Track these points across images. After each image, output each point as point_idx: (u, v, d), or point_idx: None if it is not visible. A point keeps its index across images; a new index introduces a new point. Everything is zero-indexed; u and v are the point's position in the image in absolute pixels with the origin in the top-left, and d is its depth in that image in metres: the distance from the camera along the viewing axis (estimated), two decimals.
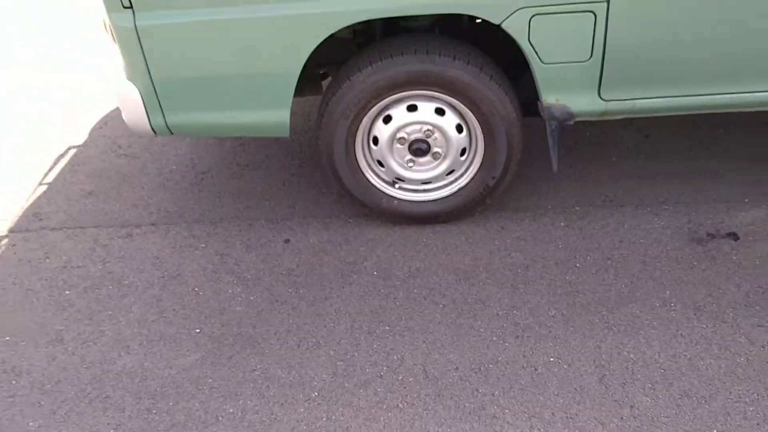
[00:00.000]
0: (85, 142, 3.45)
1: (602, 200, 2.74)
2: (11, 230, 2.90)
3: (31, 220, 2.94)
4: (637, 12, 2.21)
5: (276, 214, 2.85)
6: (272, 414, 2.04)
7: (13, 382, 2.22)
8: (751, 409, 1.91)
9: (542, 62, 2.29)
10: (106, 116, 3.62)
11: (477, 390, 2.04)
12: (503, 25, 2.22)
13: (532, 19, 2.20)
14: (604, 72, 2.31)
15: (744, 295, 2.27)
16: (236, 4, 2.24)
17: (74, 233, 2.84)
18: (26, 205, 3.04)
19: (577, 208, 2.72)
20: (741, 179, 2.80)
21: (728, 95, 2.42)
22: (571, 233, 2.59)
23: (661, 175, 2.86)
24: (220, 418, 2.04)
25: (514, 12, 2.19)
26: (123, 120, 3.52)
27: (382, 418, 1.99)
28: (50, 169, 3.28)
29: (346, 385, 2.10)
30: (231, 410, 2.06)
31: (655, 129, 3.16)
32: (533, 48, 2.26)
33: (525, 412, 1.97)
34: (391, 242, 2.64)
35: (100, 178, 3.17)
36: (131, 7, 2.22)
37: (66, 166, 3.29)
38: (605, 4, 2.16)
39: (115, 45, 2.34)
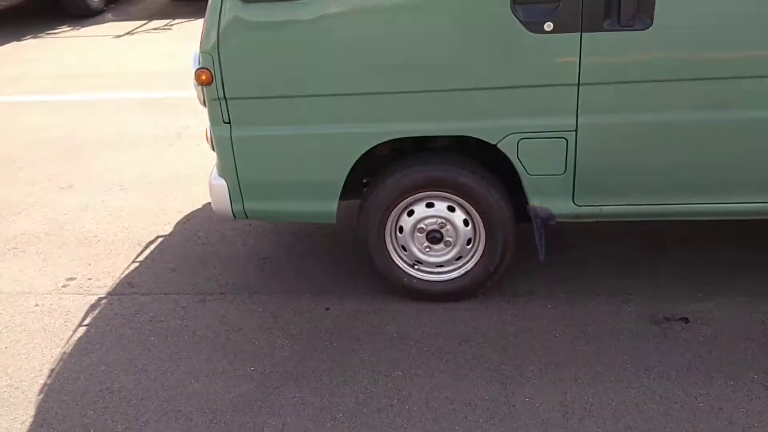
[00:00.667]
0: (171, 232, 4.23)
1: (583, 291, 3.30)
2: (109, 293, 3.62)
3: (126, 287, 3.67)
4: (600, 140, 2.82)
5: (320, 289, 3.49)
6: (306, 428, 2.61)
7: (107, 397, 2.84)
8: None
9: (528, 174, 2.92)
10: (190, 214, 4.41)
11: (466, 417, 2.59)
12: (498, 145, 2.87)
13: (520, 141, 2.84)
14: (576, 183, 2.89)
15: (687, 362, 2.78)
16: (300, 123, 2.94)
17: (159, 298, 3.54)
18: (122, 276, 3.79)
19: (563, 295, 3.29)
20: (696, 279, 3.32)
21: (681, 206, 2.92)
22: (555, 313, 3.16)
23: (633, 273, 3.40)
24: (265, 429, 2.62)
25: (506, 136, 2.84)
26: (202, 217, 4.37)
27: None
28: (141, 251, 4.04)
29: (365, 410, 2.67)
30: (274, 423, 2.64)
31: (630, 238, 3.75)
32: (521, 163, 2.89)
33: None
34: (409, 312, 3.23)
35: (181, 258, 3.89)
36: (229, 122, 2.99)
37: (155, 249, 4.04)
38: (574, 133, 2.80)
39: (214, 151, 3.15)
